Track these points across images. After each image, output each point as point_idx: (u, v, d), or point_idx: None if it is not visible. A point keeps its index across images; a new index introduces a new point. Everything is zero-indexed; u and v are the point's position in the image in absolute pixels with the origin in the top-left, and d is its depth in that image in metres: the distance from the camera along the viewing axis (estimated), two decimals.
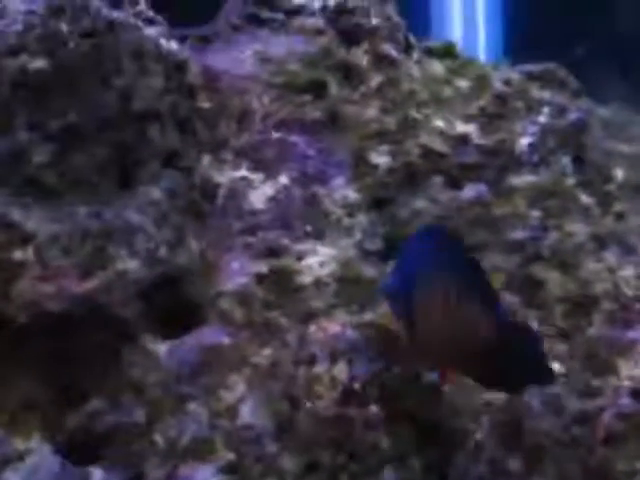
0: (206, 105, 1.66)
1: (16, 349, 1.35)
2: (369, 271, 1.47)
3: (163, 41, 1.56)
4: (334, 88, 1.73)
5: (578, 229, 1.52)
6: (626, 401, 1.28)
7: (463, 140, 1.63)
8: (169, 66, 1.55)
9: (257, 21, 1.92)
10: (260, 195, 1.57)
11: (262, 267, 1.47)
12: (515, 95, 1.70)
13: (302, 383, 1.31)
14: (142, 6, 1.70)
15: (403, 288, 1.23)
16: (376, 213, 1.57)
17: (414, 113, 1.67)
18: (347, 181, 1.60)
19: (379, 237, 1.54)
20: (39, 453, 1.31)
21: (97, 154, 1.46)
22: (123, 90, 1.48)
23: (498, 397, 1.30)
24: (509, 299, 1.42)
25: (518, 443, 1.26)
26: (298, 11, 1.91)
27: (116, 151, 1.47)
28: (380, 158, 1.62)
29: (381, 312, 1.35)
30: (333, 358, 1.31)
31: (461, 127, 1.65)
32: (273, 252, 1.50)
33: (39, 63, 1.43)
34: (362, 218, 1.56)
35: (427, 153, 1.61)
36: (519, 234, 1.51)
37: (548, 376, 1.26)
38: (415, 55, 1.86)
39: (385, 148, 1.63)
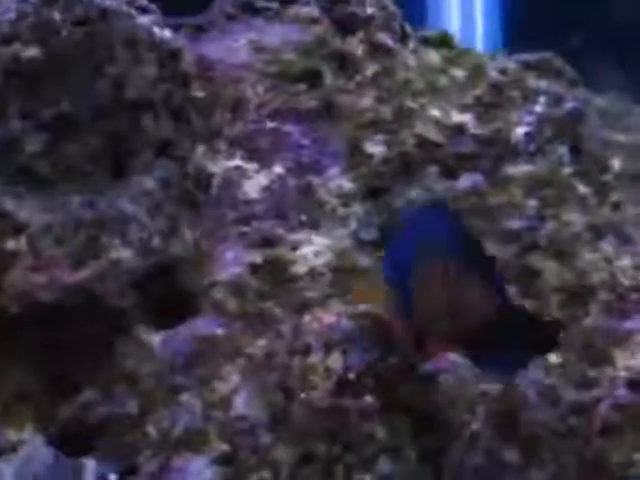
0: (200, 94, 1.65)
1: (8, 340, 1.34)
2: (364, 261, 1.46)
3: (156, 29, 1.55)
4: (329, 77, 1.72)
5: (575, 219, 1.52)
6: (622, 392, 1.27)
7: (459, 130, 1.62)
8: (163, 54, 1.54)
9: (251, 10, 1.91)
10: (254, 185, 1.57)
11: (256, 257, 1.47)
12: (511, 84, 1.69)
13: (297, 373, 1.30)
14: None
15: (403, 257, 1.22)
16: (371, 203, 1.56)
17: (409, 102, 1.67)
18: (342, 171, 1.59)
19: (374, 227, 1.53)
20: (32, 444, 1.31)
21: (90, 143, 1.45)
22: (116, 79, 1.47)
23: (494, 387, 1.30)
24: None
25: (514, 434, 1.26)
26: (293, 0, 1.91)
27: (109, 140, 1.47)
28: (375, 148, 1.61)
29: (370, 282, 1.33)
30: (328, 348, 1.31)
31: (457, 116, 1.64)
32: (267, 242, 1.49)
33: (32, 51, 1.42)
34: (357, 208, 1.55)
35: (423, 143, 1.60)
36: (515, 224, 1.50)
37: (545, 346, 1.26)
38: (411, 44, 1.86)
39: (380, 137, 1.62)
